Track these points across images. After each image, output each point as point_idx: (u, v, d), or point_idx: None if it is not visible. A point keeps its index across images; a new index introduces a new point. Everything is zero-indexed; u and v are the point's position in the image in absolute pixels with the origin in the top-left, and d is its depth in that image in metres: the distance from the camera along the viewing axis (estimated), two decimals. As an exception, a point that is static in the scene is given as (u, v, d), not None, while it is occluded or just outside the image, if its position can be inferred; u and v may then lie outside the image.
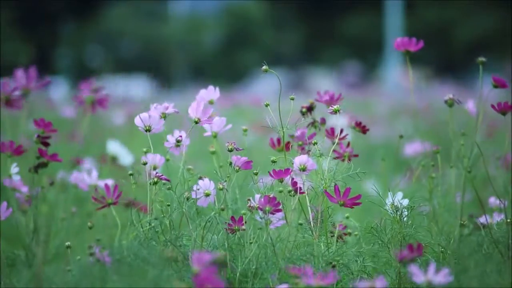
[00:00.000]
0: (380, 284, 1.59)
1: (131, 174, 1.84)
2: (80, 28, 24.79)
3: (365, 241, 1.89)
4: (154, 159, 1.86)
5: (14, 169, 1.88)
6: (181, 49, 24.09)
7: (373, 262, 1.87)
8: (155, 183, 1.80)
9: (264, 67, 1.85)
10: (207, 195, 1.81)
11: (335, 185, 1.79)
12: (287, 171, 1.80)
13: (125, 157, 2.90)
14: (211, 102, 1.97)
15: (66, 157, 3.03)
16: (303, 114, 2.02)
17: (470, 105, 2.08)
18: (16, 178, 1.88)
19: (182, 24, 24.79)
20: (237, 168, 1.82)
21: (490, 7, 23.10)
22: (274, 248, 1.76)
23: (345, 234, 1.92)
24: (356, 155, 1.98)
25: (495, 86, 1.90)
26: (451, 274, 1.57)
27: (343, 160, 1.95)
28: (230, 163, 1.82)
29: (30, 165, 1.84)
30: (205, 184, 1.82)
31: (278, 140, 1.96)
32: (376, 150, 4.65)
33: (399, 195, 1.86)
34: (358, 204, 1.78)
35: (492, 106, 1.89)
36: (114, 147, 2.90)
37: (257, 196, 1.80)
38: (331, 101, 1.99)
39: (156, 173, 1.81)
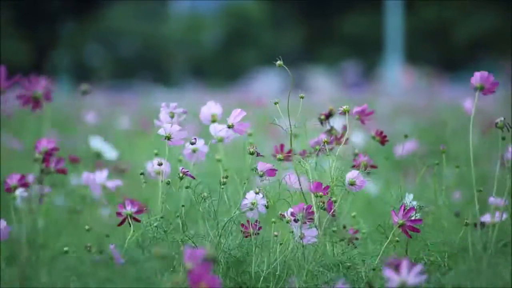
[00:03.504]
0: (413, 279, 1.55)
1: (142, 173, 1.84)
2: (79, 28, 24.78)
3: (373, 241, 1.89)
4: (159, 163, 1.86)
5: (22, 193, 1.88)
6: (180, 48, 24.08)
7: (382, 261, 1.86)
8: (181, 178, 1.80)
9: (278, 62, 1.84)
10: (253, 204, 1.79)
11: (402, 205, 1.76)
12: (326, 187, 1.78)
13: (109, 153, 2.82)
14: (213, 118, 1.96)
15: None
16: (321, 121, 1.99)
17: (467, 104, 2.08)
18: (21, 199, 1.87)
19: (182, 24, 24.79)
20: (261, 173, 1.81)
21: (490, 6, 23.10)
22: (303, 252, 1.75)
23: (357, 239, 1.91)
24: (374, 166, 1.96)
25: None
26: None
27: (359, 170, 1.93)
28: (254, 169, 1.81)
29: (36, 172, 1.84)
30: (252, 197, 1.80)
31: (282, 147, 1.93)
32: (376, 150, 4.63)
33: (410, 197, 1.85)
34: (417, 230, 1.74)
35: None
36: (97, 143, 2.82)
37: (290, 210, 1.78)
38: (362, 113, 1.98)
39: (183, 169, 1.82)
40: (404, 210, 1.74)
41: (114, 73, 22.28)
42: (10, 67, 1.98)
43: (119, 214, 1.83)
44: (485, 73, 1.93)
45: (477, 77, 1.94)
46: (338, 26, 24.82)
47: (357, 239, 1.91)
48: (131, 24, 24.31)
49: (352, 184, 1.80)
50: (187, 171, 1.81)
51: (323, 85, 14.10)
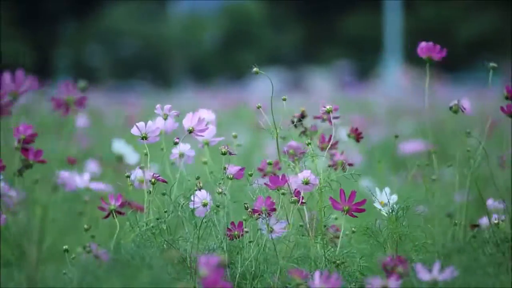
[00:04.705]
0: (394, 283, 1.59)
1: (128, 176, 1.84)
2: (80, 28, 24.79)
3: (357, 241, 1.89)
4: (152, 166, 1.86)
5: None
6: (180, 48, 24.09)
7: (370, 262, 1.85)
8: (153, 183, 1.80)
9: (255, 69, 1.84)
10: (205, 205, 1.79)
11: (340, 189, 1.77)
12: (283, 179, 1.77)
13: (131, 156, 2.81)
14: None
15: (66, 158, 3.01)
16: (294, 123, 1.99)
17: (466, 104, 2.08)
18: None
19: (182, 24, 24.79)
20: (231, 176, 1.82)
21: (490, 6, 23.10)
22: (275, 248, 1.75)
23: (336, 238, 1.90)
24: (351, 164, 1.96)
25: (507, 98, 1.89)
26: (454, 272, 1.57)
27: (336, 169, 1.93)
28: (225, 168, 1.81)
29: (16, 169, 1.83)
30: (202, 195, 1.80)
31: (264, 165, 1.93)
32: (374, 150, 4.64)
33: (387, 190, 1.85)
34: (362, 210, 1.76)
35: (502, 108, 1.89)
36: (119, 146, 2.80)
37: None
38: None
39: (154, 174, 1.81)
40: (344, 195, 1.75)
41: (114, 73, 22.28)
42: (10, 68, 1.97)
43: (102, 208, 1.82)
44: (430, 43, 1.97)
45: (423, 48, 1.97)
46: (337, 26, 24.82)
47: (337, 237, 1.90)
48: (131, 25, 24.30)
49: (306, 183, 1.79)
50: (159, 176, 1.81)
51: (321, 86, 14.10)
